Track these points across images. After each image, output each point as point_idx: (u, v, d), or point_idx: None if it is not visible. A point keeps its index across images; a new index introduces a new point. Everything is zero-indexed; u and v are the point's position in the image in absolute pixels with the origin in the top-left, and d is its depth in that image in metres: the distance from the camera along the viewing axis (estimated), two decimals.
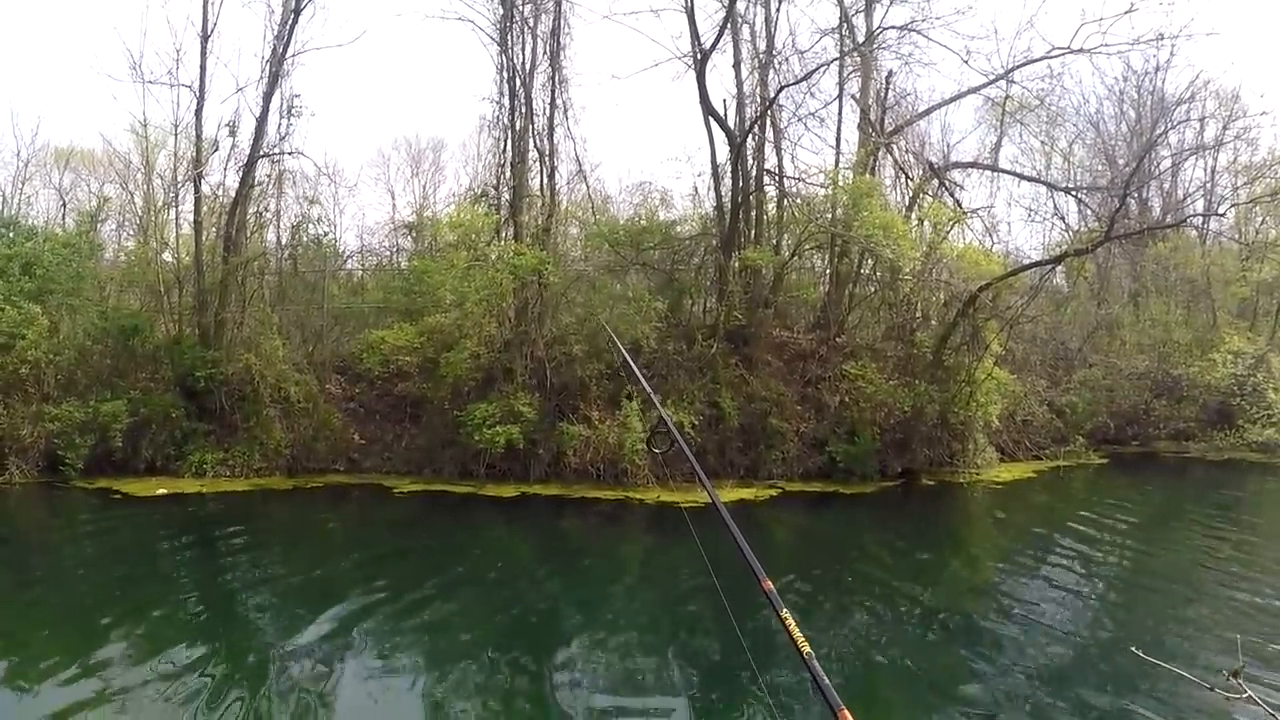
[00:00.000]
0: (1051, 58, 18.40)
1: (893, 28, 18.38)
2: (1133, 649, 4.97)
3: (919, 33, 18.03)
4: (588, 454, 14.41)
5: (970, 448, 16.72)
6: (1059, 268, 19.59)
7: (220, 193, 17.20)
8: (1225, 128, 23.32)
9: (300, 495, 14.67)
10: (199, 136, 16.77)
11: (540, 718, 6.16)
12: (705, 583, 10.22)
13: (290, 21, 16.38)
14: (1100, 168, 22.73)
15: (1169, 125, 23.40)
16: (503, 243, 15.37)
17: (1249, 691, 1.87)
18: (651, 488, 14.54)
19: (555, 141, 15.89)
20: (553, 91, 16.11)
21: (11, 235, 19.26)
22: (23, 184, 22.26)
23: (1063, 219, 20.46)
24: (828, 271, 17.37)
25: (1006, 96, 19.78)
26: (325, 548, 11.74)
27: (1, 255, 17.84)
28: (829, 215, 16.32)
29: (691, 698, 6.47)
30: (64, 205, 21.56)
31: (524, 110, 15.95)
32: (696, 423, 14.60)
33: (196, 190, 16.79)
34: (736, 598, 10.21)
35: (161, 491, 14.47)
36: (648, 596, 9.61)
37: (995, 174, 20.02)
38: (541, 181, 15.95)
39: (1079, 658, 7.21)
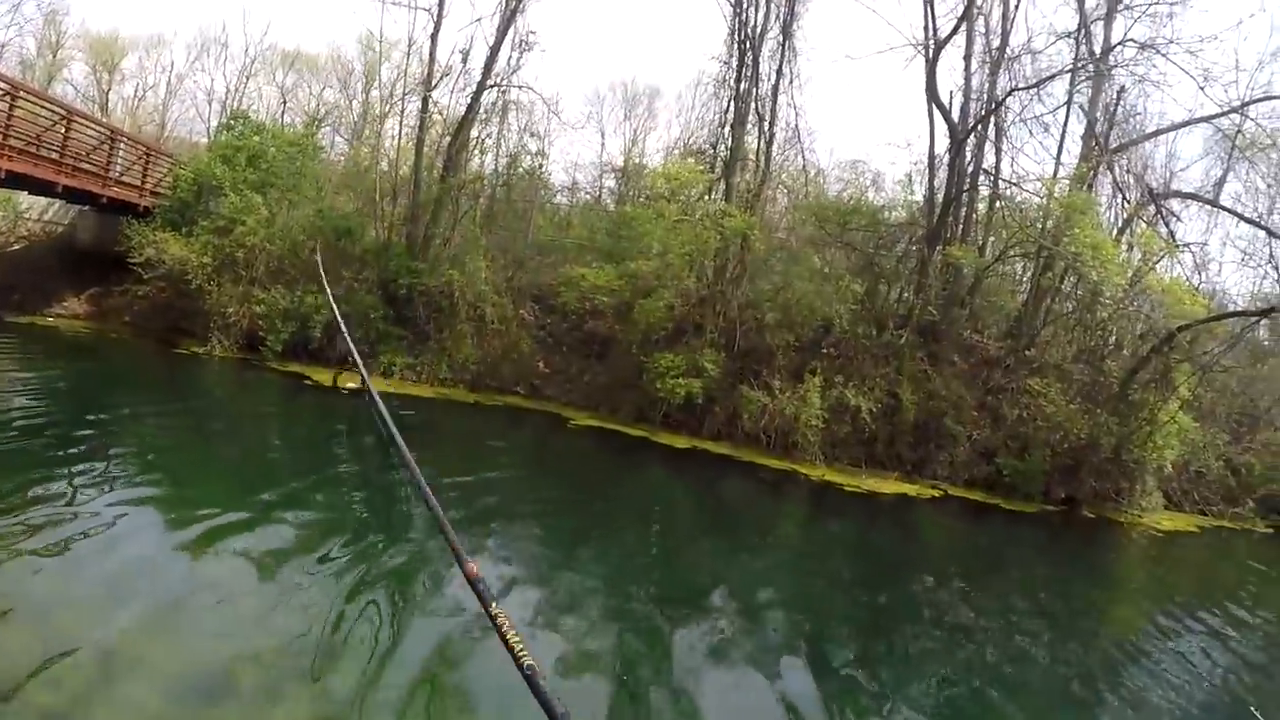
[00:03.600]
0: None
1: (1133, 43, 17.51)
2: (1252, 710, 4.83)
3: (1159, 52, 17.16)
4: (762, 420, 14.68)
5: (1138, 488, 16.18)
6: (1263, 321, 18.52)
7: (440, 112, 18.08)
8: None
9: (479, 410, 15.47)
10: (432, 58, 17.60)
11: (671, 665, 6.17)
12: (855, 564, 10.48)
13: None
14: None
15: None
16: (713, 201, 15.64)
17: None
18: (818, 465, 14.76)
19: (776, 108, 15.97)
20: (781, 58, 16.16)
21: (240, 128, 20.72)
22: (247, 79, 23.89)
23: (1277, 269, 19.17)
24: (1028, 282, 16.93)
25: (1239, 131, 18.55)
26: (496, 465, 12.12)
27: (230, 144, 19.18)
28: (1040, 225, 15.87)
29: (817, 670, 6.48)
30: (284, 103, 23.07)
31: (750, 74, 16.08)
32: (874, 409, 14.65)
33: (423, 109, 17.70)
34: (883, 584, 10.17)
35: (351, 385, 15.47)
36: (794, 568, 9.72)
37: (1214, 210, 18.93)
38: (758, 146, 16.10)
39: (1201, 715, 7.05)
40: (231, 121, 21.28)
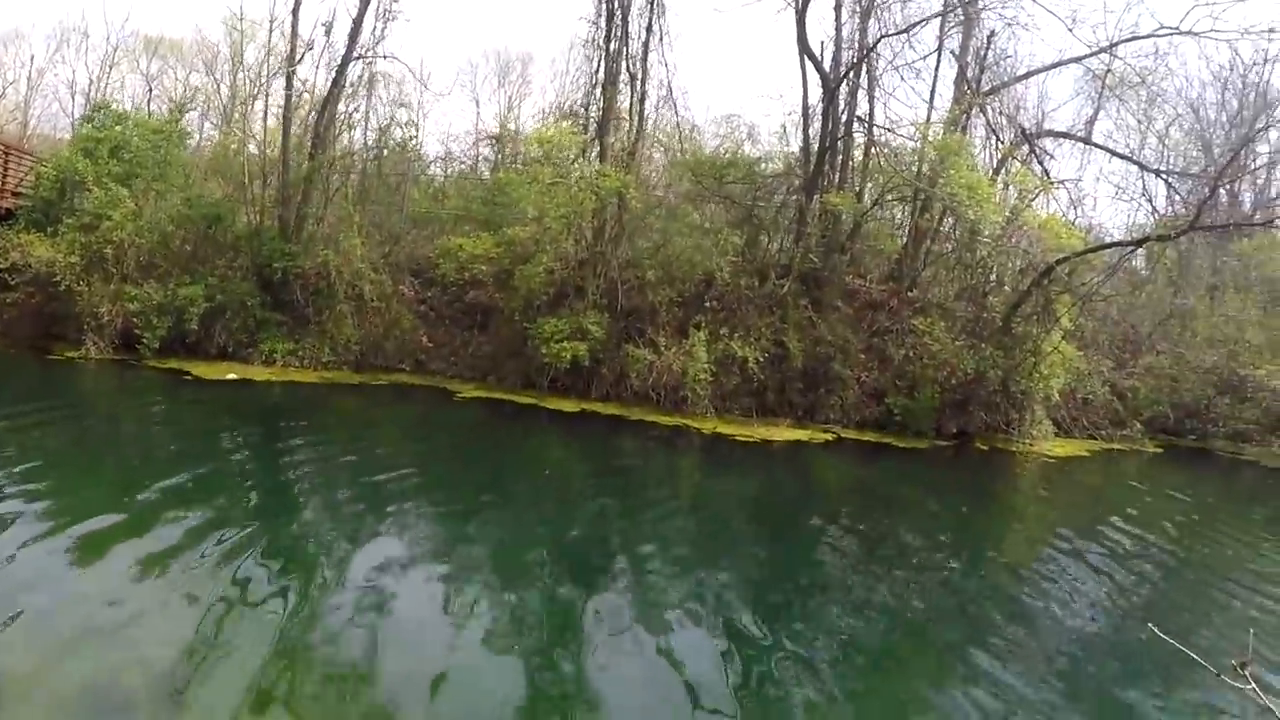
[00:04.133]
0: (1159, 36, 17.69)
1: None
2: (1150, 626, 5.01)
3: None
4: (650, 378, 14.56)
5: (1028, 418, 16.57)
6: (1139, 250, 19.15)
7: (308, 89, 17.40)
8: None
9: (366, 390, 15.06)
10: (294, 33, 16.93)
11: (575, 632, 6.14)
12: (752, 514, 10.50)
13: None
14: (1195, 154, 21.96)
15: (1270, 121, 22.47)
16: (587, 162, 15.39)
17: (1252, 684, 1.89)
18: (709, 418, 14.71)
19: (648, 66, 15.78)
20: (650, 15, 15.97)
21: (101, 118, 19.67)
22: (110, 69, 22.67)
23: (1150, 201, 19.85)
24: (907, 225, 17.14)
25: (1108, 70, 19.04)
26: (385, 444, 11.98)
27: (91, 137, 18.25)
28: (915, 169, 16.06)
29: (722, 625, 6.48)
30: (150, 91, 21.99)
31: (620, 33, 15.84)
32: (761, 359, 14.65)
33: (288, 86, 17.01)
34: (783, 531, 10.20)
35: (232, 376, 14.88)
36: (691, 522, 9.71)
37: (1087, 147, 19.45)
38: (631, 105, 15.90)
39: (1100, 632, 7.26)
40: (92, 113, 20.21)
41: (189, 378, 14.37)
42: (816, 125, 15.98)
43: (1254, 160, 22.33)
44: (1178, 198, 20.08)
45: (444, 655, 5.42)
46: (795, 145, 16.09)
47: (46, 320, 15.62)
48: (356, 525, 7.92)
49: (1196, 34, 17.16)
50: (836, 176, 16.21)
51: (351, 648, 5.28)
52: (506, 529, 8.38)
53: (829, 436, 14.97)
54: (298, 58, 17.09)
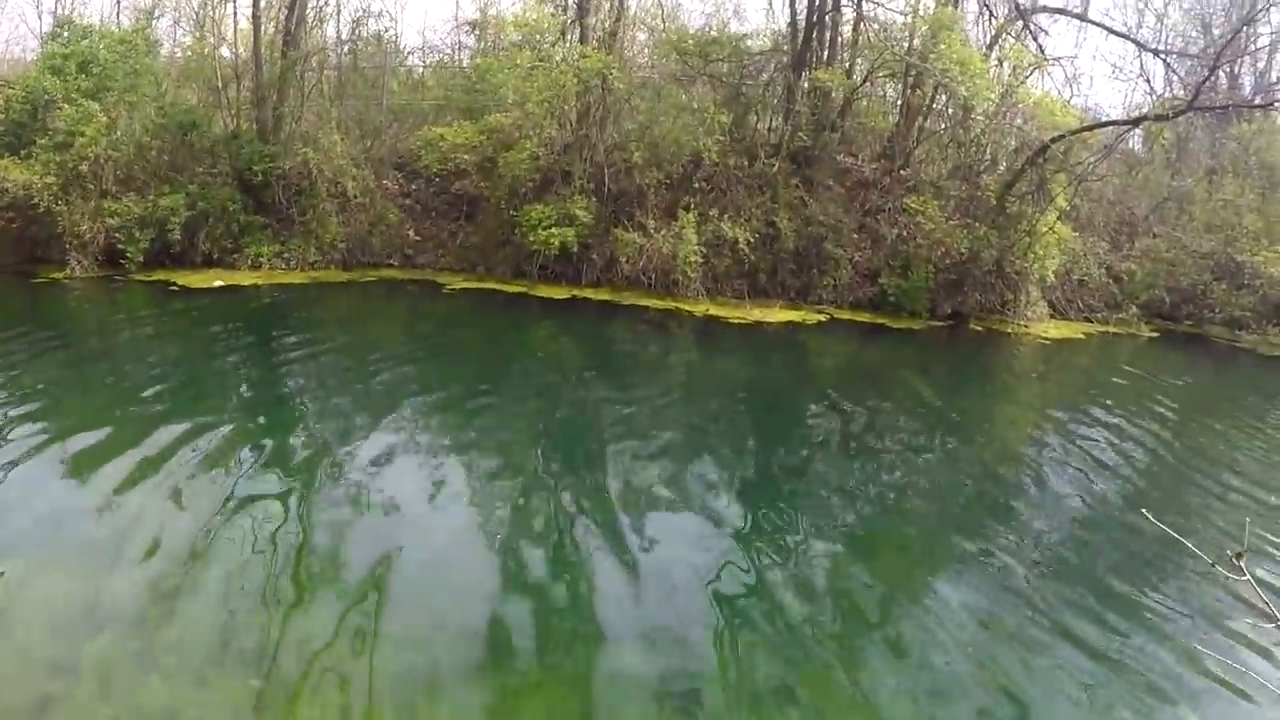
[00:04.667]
0: None
1: None
2: (1143, 511, 4.90)
3: None
4: (640, 262, 14.39)
5: (1023, 299, 16.49)
6: (1136, 130, 18.79)
7: None
8: None
9: (354, 288, 14.91)
10: None
11: (562, 518, 6.16)
12: (744, 397, 10.43)
13: None
14: (1194, 34, 21.40)
15: (1272, 1, 21.80)
16: (568, 45, 14.93)
17: (1247, 575, 1.77)
18: (701, 300, 14.59)
19: None
20: None
21: (66, 34, 19.04)
22: None
23: (1148, 81, 19.62)
24: (899, 102, 16.74)
25: None
26: (376, 340, 11.91)
27: (57, 54, 17.66)
28: (906, 44, 15.60)
29: (706, 510, 6.52)
30: (118, 4, 21.22)
31: None
32: (752, 240, 14.46)
33: None
34: (774, 414, 10.15)
35: (219, 283, 14.73)
36: (682, 407, 9.67)
37: (1084, 24, 18.95)
38: None
39: (1091, 517, 7.19)
40: (57, 29, 19.55)
41: (176, 288, 14.24)
42: (804, 0, 15.48)
43: (1254, 42, 21.75)
44: (1176, 78, 19.63)
45: (434, 544, 5.46)
46: (782, 21, 15.65)
47: (29, 244, 15.32)
48: (349, 422, 7.89)
49: None
50: (825, 53, 15.74)
51: (343, 544, 5.31)
52: (499, 418, 8.39)
53: (822, 317, 14.87)
54: None
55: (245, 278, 15.18)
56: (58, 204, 15.20)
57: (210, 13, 17.58)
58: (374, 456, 6.92)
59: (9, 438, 6.69)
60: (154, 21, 19.45)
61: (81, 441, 6.70)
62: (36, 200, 14.80)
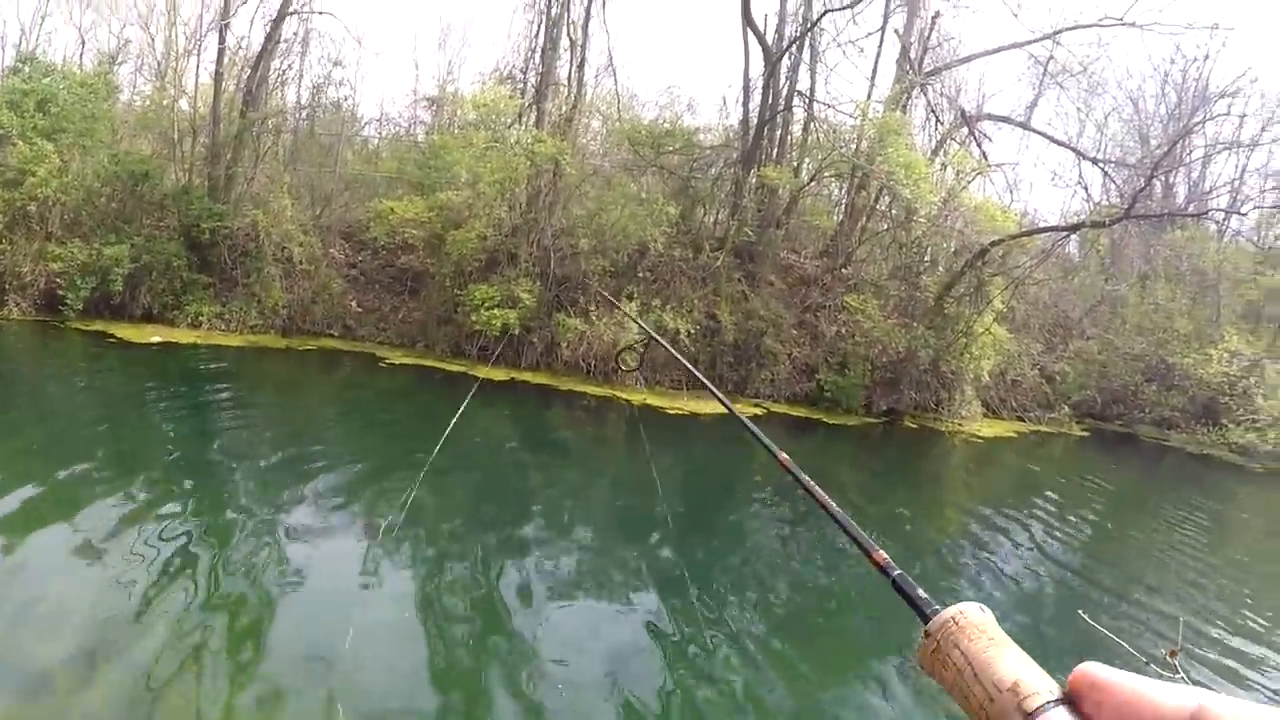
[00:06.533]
0: (1103, 26, 18.07)
1: None
2: (1079, 613, 5.03)
3: None
4: (581, 348, 14.51)
5: (957, 397, 16.91)
6: (1073, 236, 19.53)
7: (244, 46, 16.92)
8: (1264, 129, 22.89)
9: (292, 355, 14.77)
10: None
11: (492, 605, 6.11)
12: (677, 488, 10.49)
13: None
14: (1132, 144, 22.43)
15: (1207, 115, 22.98)
16: (523, 128, 15.18)
17: (1181, 674, 1.92)
18: (639, 389, 14.71)
19: (589, 33, 15.59)
20: None
21: (28, 70, 18.91)
22: (42, 19, 21.74)
23: (1085, 189, 20.27)
24: (844, 202, 17.25)
25: (1050, 57, 19.38)
26: (311, 411, 11.80)
27: (17, 89, 17.55)
28: (854, 146, 16.14)
29: (627, 599, 6.53)
30: (83, 44, 21.14)
31: None
32: (692, 331, 14.67)
33: (221, 40, 16.50)
34: (707, 506, 10.22)
35: (156, 339, 14.53)
36: (614, 495, 9.73)
37: (1026, 132, 19.75)
38: (569, 71, 15.69)
39: (1024, 617, 7.26)
40: (19, 64, 19.40)
41: (113, 340, 14.02)
42: (757, 98, 15.96)
43: (1189, 153, 22.88)
44: (1113, 186, 20.56)
45: (360, 625, 5.33)
46: (735, 118, 16.09)
47: None
48: (277, 492, 7.76)
49: (1140, 25, 17.53)
50: (775, 151, 16.21)
51: (269, 618, 5.22)
52: (431, 498, 8.18)
53: (758, 411, 15.05)
54: (232, 12, 16.60)
55: (184, 335, 14.97)
56: (1, 242, 15.02)
57: (173, 64, 17.62)
58: (301, 527, 6.87)
59: None
60: (116, 67, 19.48)
61: (7, 502, 6.48)
62: None
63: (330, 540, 6.76)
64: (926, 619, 0.63)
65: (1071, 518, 11.18)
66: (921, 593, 0.69)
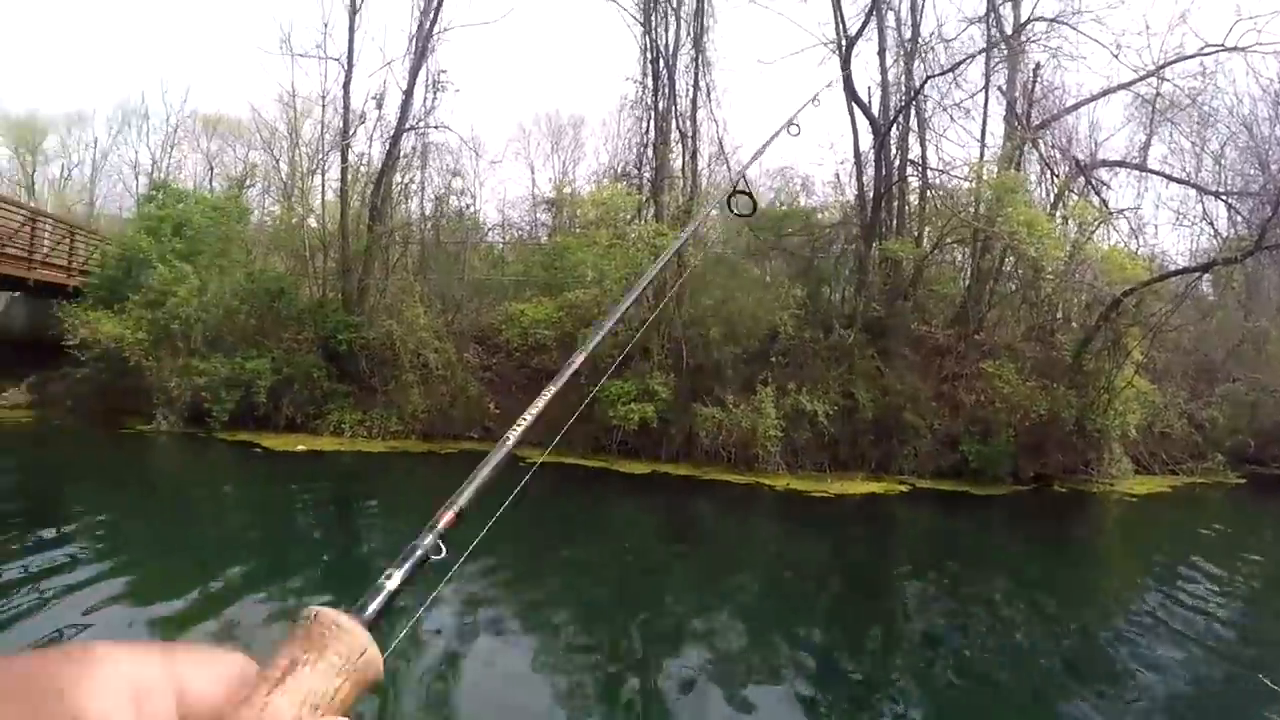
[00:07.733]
0: (1204, 55, 17.51)
1: (1041, 19, 17.82)
2: (1260, 676, 4.62)
3: (1068, 25, 17.47)
4: (720, 436, 14.43)
5: (1106, 457, 16.14)
6: (1206, 276, 18.68)
7: (365, 163, 17.82)
8: None
9: (434, 460, 15.10)
10: (346, 108, 17.39)
11: (648, 696, 6.01)
12: (829, 572, 10.27)
13: None
14: (1253, 172, 21.35)
15: None
16: (643, 222, 15.47)
17: None
18: (781, 474, 14.51)
19: (698, 123, 15.91)
20: (695, 73, 16.14)
21: (161, 196, 20.36)
22: (171, 149, 23.50)
23: (1211, 224, 19.39)
24: (968, 267, 16.91)
25: (1157, 94, 18.84)
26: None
27: (154, 216, 18.91)
28: (972, 209, 15.89)
29: (790, 685, 6.32)
30: (211, 170, 22.73)
31: (667, 91, 16.04)
32: (830, 412, 14.45)
33: (343, 160, 17.44)
34: (862, 589, 9.93)
35: (301, 448, 15.06)
36: (767, 584, 9.47)
37: (1143, 174, 19.11)
38: (683, 162, 16.01)
39: (1198, 684, 6.86)
40: (154, 192, 20.94)
41: (259, 450, 14.61)
42: (870, 172, 15.95)
43: None
44: (1240, 218, 19.58)
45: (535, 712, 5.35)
46: (850, 193, 16.07)
47: (117, 394, 16.04)
48: (432, 591, 7.81)
49: (1242, 49, 16.96)
50: (894, 222, 16.10)
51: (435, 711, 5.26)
52: (581, 595, 8.27)
53: (904, 488, 14.65)
54: (351, 131, 17.54)
55: (327, 443, 15.51)
56: (148, 359, 15.97)
57: (299, 184, 18.70)
58: (448, 630, 6.80)
59: (91, 595, 6.68)
60: (245, 190, 20.79)
61: (160, 610, 6.67)
62: (127, 354, 15.55)
63: (477, 637, 6.68)
64: None
65: (1239, 575, 10.41)
66: None
